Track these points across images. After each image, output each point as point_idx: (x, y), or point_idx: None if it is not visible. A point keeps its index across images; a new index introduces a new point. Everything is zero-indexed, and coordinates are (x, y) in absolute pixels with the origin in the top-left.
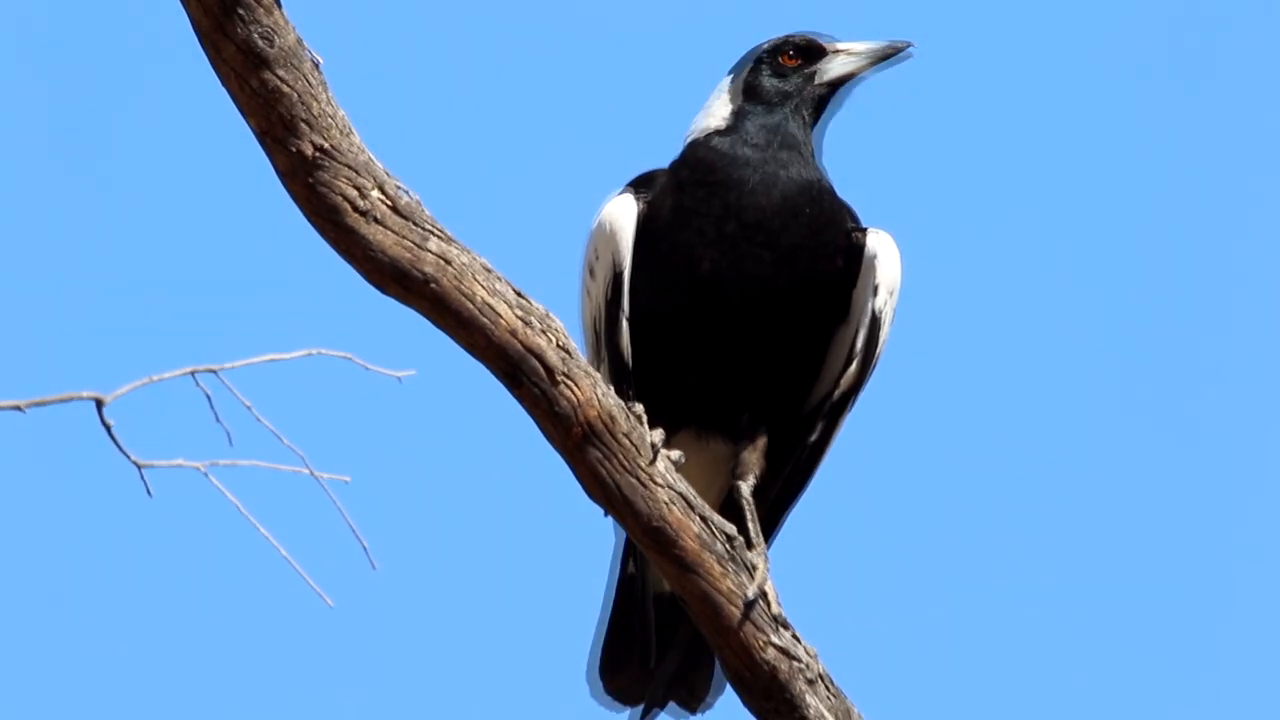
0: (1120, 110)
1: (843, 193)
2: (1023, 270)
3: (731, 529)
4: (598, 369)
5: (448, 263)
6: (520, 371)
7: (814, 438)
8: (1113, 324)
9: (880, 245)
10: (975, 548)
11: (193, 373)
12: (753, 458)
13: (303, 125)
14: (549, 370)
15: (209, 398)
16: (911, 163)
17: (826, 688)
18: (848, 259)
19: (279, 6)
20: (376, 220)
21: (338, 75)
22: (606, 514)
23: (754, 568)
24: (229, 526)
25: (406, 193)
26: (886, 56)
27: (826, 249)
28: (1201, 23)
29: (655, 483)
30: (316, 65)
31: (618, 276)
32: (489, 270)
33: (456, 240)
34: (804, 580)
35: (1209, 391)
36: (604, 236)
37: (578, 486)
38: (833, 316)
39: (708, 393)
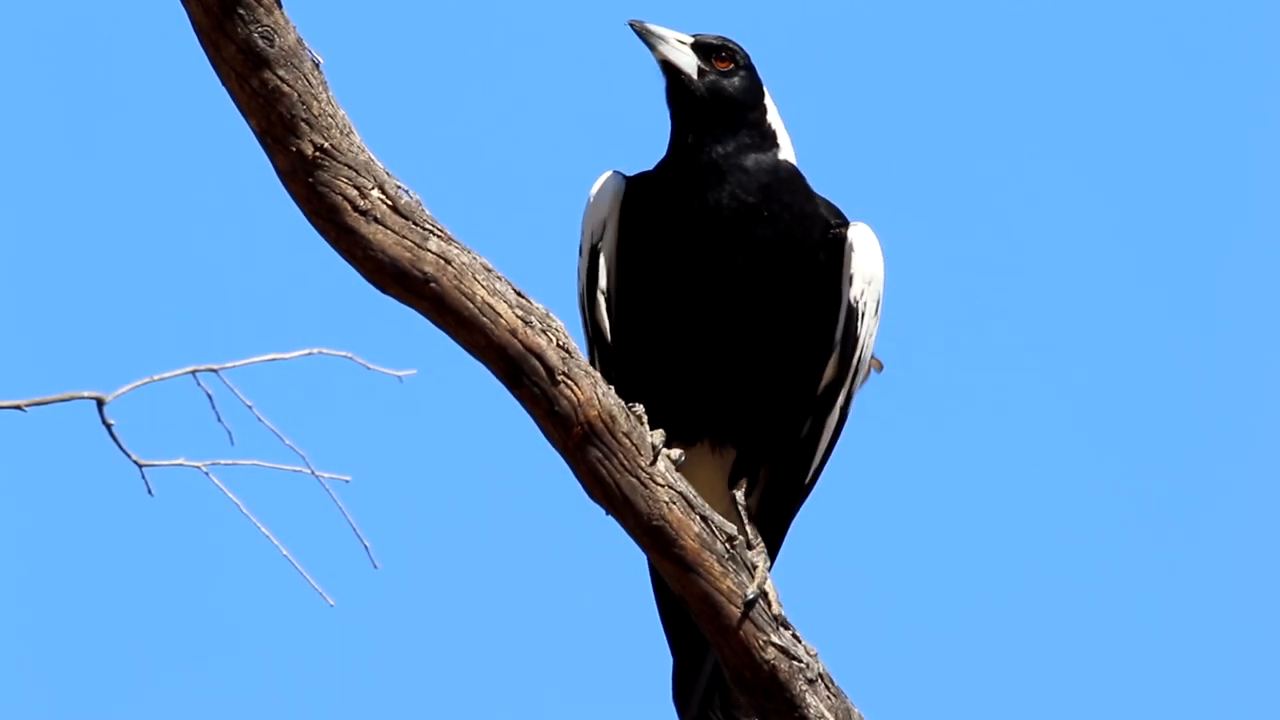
0: (1121, 104)
1: (833, 188)
2: (1027, 271)
3: (732, 529)
4: (591, 352)
5: (448, 262)
6: (520, 371)
7: (803, 434)
8: (1117, 324)
9: (857, 237)
10: (975, 547)
11: (194, 372)
12: (749, 470)
13: (303, 125)
14: (549, 370)
15: (210, 397)
16: (914, 159)
17: (826, 687)
18: (830, 254)
19: (279, 6)
20: (376, 220)
21: (338, 75)
22: (607, 513)
23: (754, 567)
24: (230, 526)
25: (406, 192)
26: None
27: (799, 247)
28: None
29: (655, 482)
30: (317, 65)
31: (595, 249)
32: (489, 270)
33: (456, 240)
34: (804, 580)
35: (1208, 389)
36: (586, 212)
37: (578, 486)
38: (818, 313)
39: (693, 395)
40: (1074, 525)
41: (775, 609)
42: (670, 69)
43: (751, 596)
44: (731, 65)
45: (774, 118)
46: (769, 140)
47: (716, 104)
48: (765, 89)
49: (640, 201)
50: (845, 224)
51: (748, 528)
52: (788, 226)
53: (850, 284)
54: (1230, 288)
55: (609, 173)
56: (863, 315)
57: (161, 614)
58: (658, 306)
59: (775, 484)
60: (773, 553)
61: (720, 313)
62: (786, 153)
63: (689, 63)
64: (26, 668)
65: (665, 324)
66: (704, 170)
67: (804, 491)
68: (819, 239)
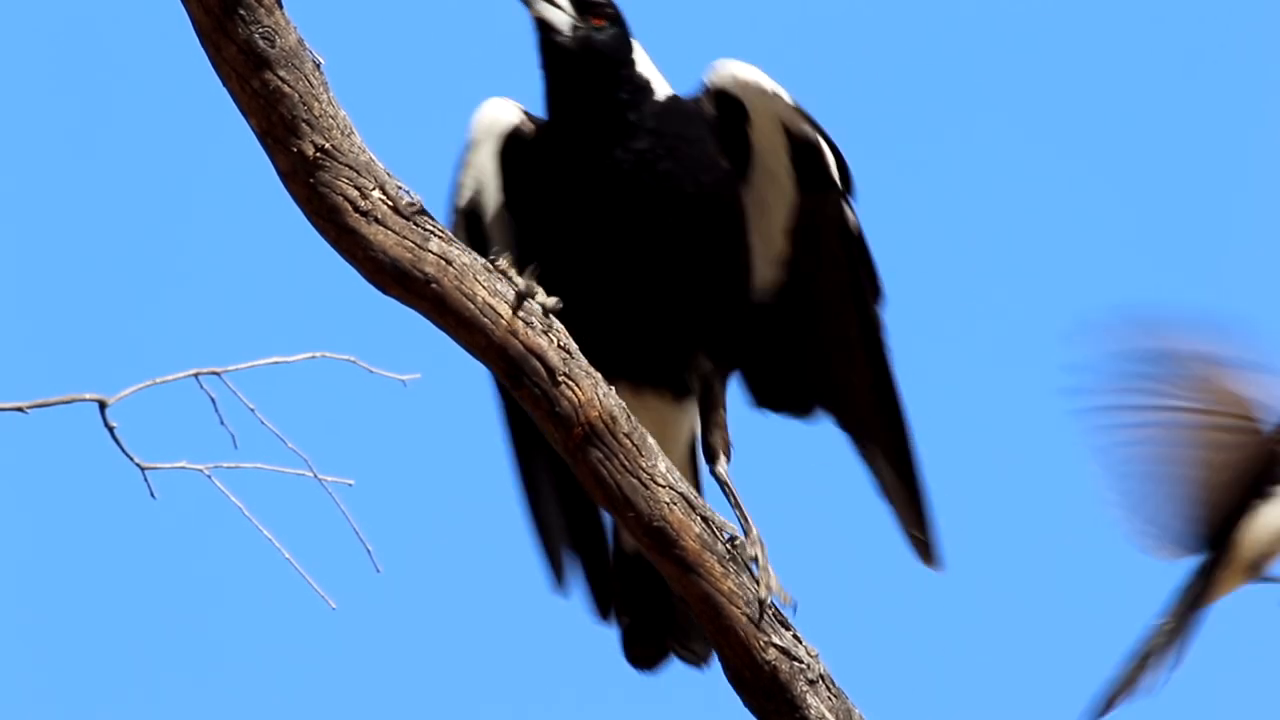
0: (1116, 102)
1: None
2: (1025, 269)
3: (733, 528)
4: None
5: (448, 263)
6: (521, 372)
7: (851, 218)
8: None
9: (735, 68)
10: (975, 546)
11: (196, 375)
12: (716, 436)
13: (304, 126)
14: (550, 370)
15: (213, 400)
16: (907, 157)
17: (827, 688)
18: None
19: (280, 7)
20: (377, 221)
21: (338, 76)
22: (608, 514)
23: (755, 560)
24: (232, 529)
25: (408, 193)
26: None
27: (700, 163)
28: None
29: (656, 483)
30: (318, 66)
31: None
32: (490, 270)
33: (457, 240)
34: (804, 580)
35: None
36: (467, 134)
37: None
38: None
39: (624, 330)
40: (1073, 523)
41: (785, 599)
42: (544, 26)
43: (764, 597)
44: (604, 21)
45: (645, 67)
46: (644, 92)
47: (591, 61)
48: (634, 39)
49: (529, 151)
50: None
51: (736, 512)
52: (685, 153)
53: (781, 97)
54: (1229, 283)
55: (501, 101)
56: (801, 101)
57: (164, 617)
58: (568, 258)
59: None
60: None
61: (641, 256)
62: (659, 87)
63: (564, 21)
64: (28, 669)
65: (580, 272)
66: (591, 129)
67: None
68: (714, 150)
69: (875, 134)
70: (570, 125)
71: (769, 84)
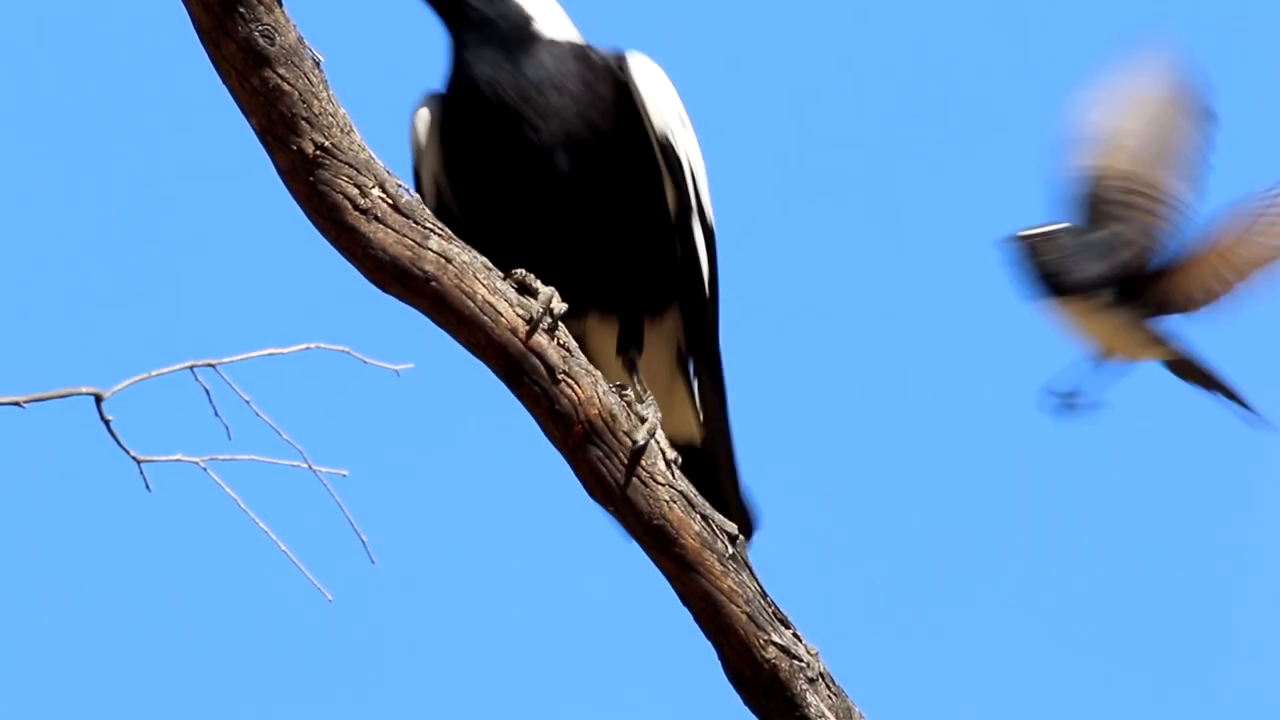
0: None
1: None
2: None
3: (733, 527)
4: None
5: (448, 261)
6: (521, 370)
7: (679, 255)
8: None
9: (638, 66)
10: (976, 545)
11: (191, 367)
12: (631, 329)
13: (303, 123)
14: (550, 369)
15: (207, 392)
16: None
17: (827, 686)
18: (622, 99)
19: (280, 5)
20: (377, 218)
21: (338, 74)
22: (608, 512)
23: (644, 420)
24: (228, 521)
25: (407, 191)
26: None
27: (599, 112)
28: None
29: (656, 481)
30: (317, 63)
31: (418, 171)
32: (490, 269)
33: (457, 239)
34: (805, 578)
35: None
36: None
37: (578, 483)
38: (635, 157)
39: (561, 273)
40: (1075, 522)
41: (669, 454)
42: None
43: (642, 443)
44: None
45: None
46: (526, 25)
47: (451, 3)
48: None
49: (448, 119)
50: (624, 64)
51: (636, 378)
52: (585, 104)
53: (649, 119)
54: None
55: (424, 98)
56: (674, 134)
57: (159, 609)
58: (496, 206)
59: (689, 324)
60: (719, 386)
61: (553, 198)
62: (552, 27)
63: None
64: (24, 663)
65: (508, 220)
66: (478, 81)
67: (712, 315)
68: (613, 99)
69: (871, 129)
70: (462, 79)
71: (661, 94)
